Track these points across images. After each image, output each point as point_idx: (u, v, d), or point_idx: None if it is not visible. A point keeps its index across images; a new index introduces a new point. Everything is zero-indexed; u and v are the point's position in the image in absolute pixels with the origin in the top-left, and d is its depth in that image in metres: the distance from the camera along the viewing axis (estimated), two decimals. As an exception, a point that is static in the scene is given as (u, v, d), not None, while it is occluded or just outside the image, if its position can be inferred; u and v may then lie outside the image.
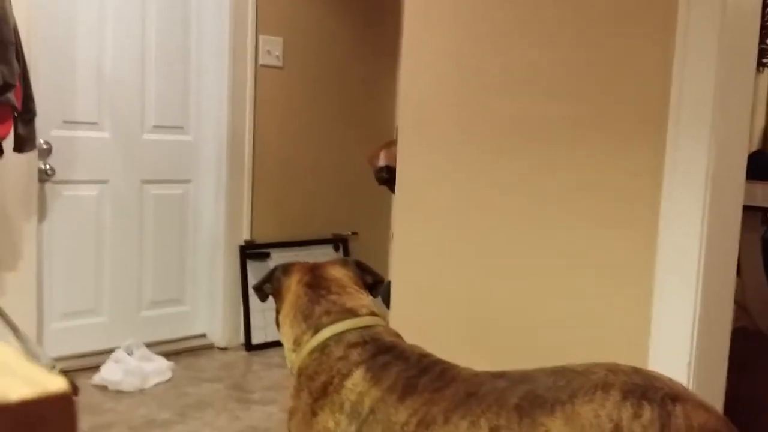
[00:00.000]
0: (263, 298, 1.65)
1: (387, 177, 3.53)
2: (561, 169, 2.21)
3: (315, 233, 4.14)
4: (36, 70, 3.02)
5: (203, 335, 3.88)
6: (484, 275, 2.42)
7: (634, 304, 2.08)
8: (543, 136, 2.26)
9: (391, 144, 3.63)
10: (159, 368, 3.35)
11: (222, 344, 3.82)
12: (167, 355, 3.54)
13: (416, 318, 2.53)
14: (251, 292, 3.83)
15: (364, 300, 1.51)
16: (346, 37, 4.19)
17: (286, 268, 1.61)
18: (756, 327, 2.82)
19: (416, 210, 2.63)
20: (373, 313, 1.46)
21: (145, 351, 3.45)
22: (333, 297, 1.48)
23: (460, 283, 2.49)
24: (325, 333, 1.41)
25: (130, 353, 3.40)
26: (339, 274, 1.56)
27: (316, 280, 1.53)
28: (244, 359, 3.69)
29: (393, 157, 3.58)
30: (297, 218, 4.07)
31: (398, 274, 2.63)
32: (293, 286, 1.55)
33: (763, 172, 2.71)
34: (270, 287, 1.62)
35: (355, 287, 1.54)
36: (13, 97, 2.63)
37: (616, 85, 2.10)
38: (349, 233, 4.28)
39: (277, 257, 3.94)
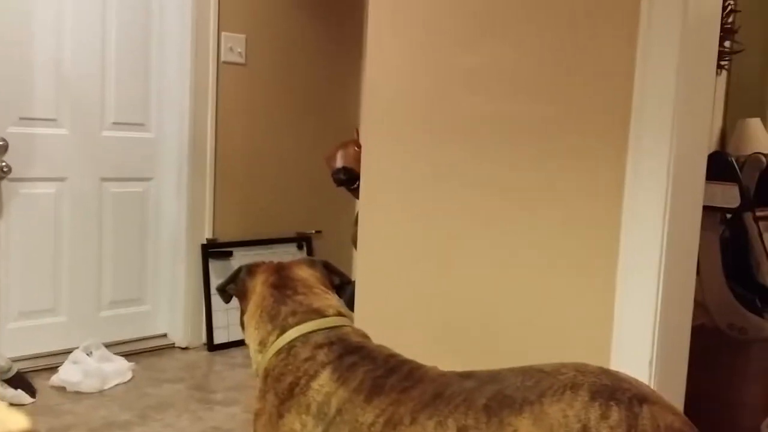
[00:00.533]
0: (227, 299, 1.63)
1: (344, 179, 3.52)
2: (525, 168, 2.23)
3: (278, 232, 4.11)
4: (-9, 64, 2.95)
5: (164, 335, 3.82)
6: (448, 274, 2.43)
7: (597, 302, 2.11)
8: (508, 134, 2.26)
9: (348, 144, 3.61)
10: (119, 369, 3.30)
11: (183, 344, 3.77)
12: (127, 356, 3.48)
13: (381, 318, 2.52)
14: (213, 291, 3.78)
15: (330, 300, 1.49)
16: (309, 34, 4.17)
17: (250, 269, 1.59)
18: (714, 325, 2.87)
19: (381, 209, 2.63)
20: (340, 314, 1.45)
21: (105, 351, 3.39)
22: (299, 297, 1.47)
23: (425, 283, 2.49)
24: (292, 333, 1.40)
25: (89, 354, 3.34)
26: (305, 274, 1.55)
27: (282, 281, 1.51)
28: (206, 359, 3.65)
29: (350, 157, 3.56)
30: (260, 216, 4.03)
31: (363, 273, 2.62)
32: (258, 286, 1.53)
33: (722, 172, 2.76)
34: (234, 288, 1.60)
35: (322, 288, 1.53)
36: (-32, 92, 2.55)
37: (580, 84, 2.11)
38: (313, 232, 4.26)
39: (240, 256, 3.90)
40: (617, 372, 1.23)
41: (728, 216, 2.93)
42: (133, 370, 3.34)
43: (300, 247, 4.19)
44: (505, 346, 2.29)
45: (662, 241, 2.01)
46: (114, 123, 3.55)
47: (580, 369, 1.20)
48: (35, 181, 3.32)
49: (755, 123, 3.73)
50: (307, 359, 1.34)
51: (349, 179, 3.51)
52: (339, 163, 3.56)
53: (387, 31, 2.59)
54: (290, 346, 1.38)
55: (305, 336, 1.38)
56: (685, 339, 2.20)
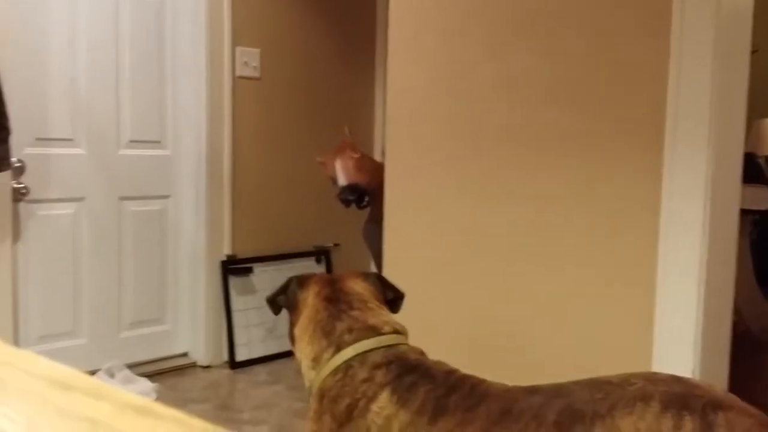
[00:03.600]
0: (277, 310, 1.59)
1: (352, 198, 3.29)
2: (558, 177, 2.20)
3: (297, 246, 4.08)
4: (7, 86, 2.92)
5: (185, 354, 3.79)
6: (481, 285, 2.39)
7: (636, 311, 2.07)
8: (539, 144, 2.24)
9: (343, 150, 3.38)
10: (143, 390, 3.26)
11: (205, 363, 3.74)
12: (149, 376, 3.45)
13: (411, 331, 2.49)
14: (234, 307, 3.75)
15: (386, 317, 1.46)
16: (323, 47, 4.15)
17: (301, 280, 1.55)
18: (747, 328, 2.83)
19: (408, 221, 2.60)
20: (396, 331, 1.42)
21: (128, 373, 3.36)
22: (355, 313, 1.43)
23: (456, 295, 2.46)
24: (348, 352, 1.36)
25: (111, 375, 3.30)
26: (359, 288, 1.51)
27: (336, 294, 1.47)
28: (228, 377, 3.61)
29: (351, 171, 3.30)
30: (278, 231, 4.00)
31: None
32: (311, 299, 1.49)
33: (751, 174, 2.72)
34: (284, 299, 1.56)
35: (377, 303, 1.49)
36: (-11, 114, 2.53)
37: (613, 91, 2.09)
38: (331, 245, 4.22)
39: (260, 272, 3.87)
40: (689, 379, 1.19)
41: (756, 218, 2.90)
42: (156, 391, 3.30)
43: (319, 261, 4.16)
44: (541, 358, 2.25)
45: (702, 246, 1.98)
46: (130, 141, 3.53)
47: (650, 378, 1.16)
48: (53, 202, 3.29)
49: (772, 123, 3.70)
50: (364, 380, 1.31)
51: (358, 197, 3.33)
52: (342, 179, 3.35)
53: (409, 45, 2.57)
54: (347, 365, 1.34)
55: (362, 355, 1.34)
56: (726, 346, 2.16)
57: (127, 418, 0.38)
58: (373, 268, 3.78)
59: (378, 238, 3.38)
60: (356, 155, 3.33)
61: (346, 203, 3.35)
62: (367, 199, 3.32)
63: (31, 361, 0.46)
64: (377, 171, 3.32)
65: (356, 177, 3.30)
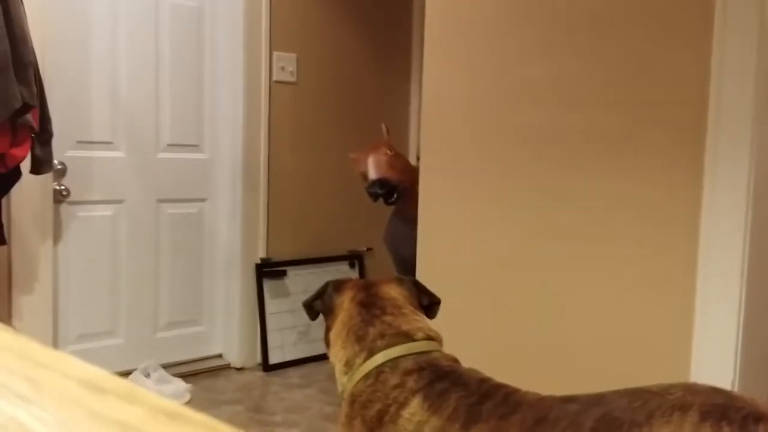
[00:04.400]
0: (313, 315, 1.59)
1: (381, 192, 3.29)
2: (597, 182, 2.17)
3: (331, 250, 4.09)
4: (50, 89, 2.98)
5: (219, 356, 3.82)
6: (517, 291, 2.37)
7: (676, 322, 2.03)
8: (578, 147, 2.21)
9: (378, 147, 3.38)
10: (177, 390, 3.29)
11: (239, 364, 3.76)
12: (183, 377, 3.48)
13: (445, 337, 2.48)
14: (268, 310, 3.78)
15: (420, 323, 1.45)
16: (358, 51, 4.16)
17: (338, 285, 1.55)
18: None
19: (442, 226, 2.59)
20: (429, 337, 1.41)
21: (163, 373, 3.39)
22: (388, 318, 1.42)
23: (490, 300, 2.44)
24: (380, 357, 1.35)
25: (147, 375, 3.34)
26: (394, 293, 1.51)
27: (370, 299, 1.47)
28: (261, 380, 3.63)
29: (383, 166, 3.29)
30: (312, 235, 4.02)
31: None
32: (346, 303, 1.49)
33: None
34: (320, 304, 1.57)
35: (411, 308, 1.49)
36: (31, 118, 2.58)
37: (654, 95, 2.06)
38: (365, 249, 4.23)
39: (293, 275, 3.88)
40: (730, 390, 1.17)
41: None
42: (191, 392, 3.33)
43: (352, 266, 4.17)
44: (579, 368, 2.22)
45: (743, 255, 1.94)
46: (169, 145, 3.57)
47: (690, 388, 1.14)
48: (93, 204, 3.35)
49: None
50: (396, 386, 1.30)
51: (387, 192, 3.30)
52: (373, 174, 3.32)
53: (445, 49, 2.56)
54: (378, 371, 1.34)
55: (394, 361, 1.34)
56: (767, 357, 2.11)
57: (158, 423, 0.38)
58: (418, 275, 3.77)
59: (404, 237, 3.38)
60: (390, 152, 3.33)
61: (375, 197, 3.33)
62: (396, 195, 3.31)
63: (65, 363, 0.47)
64: (409, 170, 3.33)
65: (387, 173, 3.30)
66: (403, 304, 1.48)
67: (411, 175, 3.28)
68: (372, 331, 1.40)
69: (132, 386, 0.45)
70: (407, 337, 1.38)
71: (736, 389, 1.97)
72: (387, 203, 3.38)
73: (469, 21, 2.48)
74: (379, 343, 1.38)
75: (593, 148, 2.17)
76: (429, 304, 1.56)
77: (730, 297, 1.95)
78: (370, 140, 4.17)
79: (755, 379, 2.04)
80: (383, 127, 3.59)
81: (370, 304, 1.46)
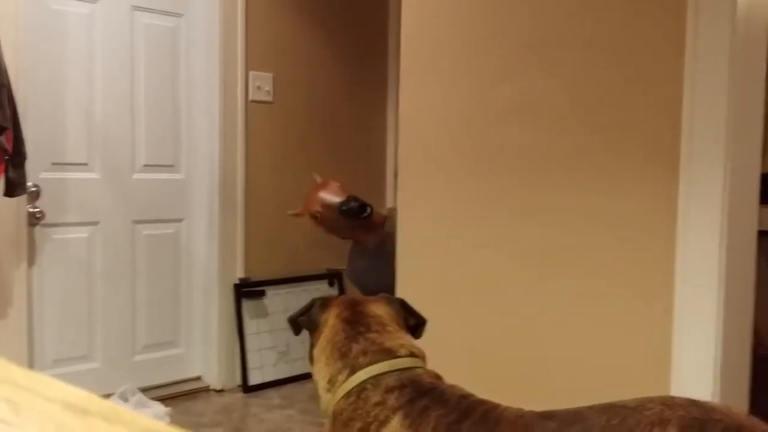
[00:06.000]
0: (297, 331, 1.58)
1: (356, 206, 3.38)
2: (574, 199, 2.19)
3: (309, 269, 4.07)
4: (23, 111, 2.94)
5: (198, 378, 3.77)
6: (496, 307, 2.37)
7: (654, 334, 2.05)
8: (555, 165, 2.23)
9: (325, 182, 3.53)
10: (156, 414, 3.25)
11: (218, 386, 3.72)
12: (162, 400, 3.43)
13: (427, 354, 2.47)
14: (247, 331, 3.74)
15: (403, 340, 1.44)
16: (335, 70, 4.17)
17: (324, 302, 1.55)
18: (767, 351, 2.79)
19: (421, 243, 2.59)
20: (412, 354, 1.40)
21: (141, 397, 3.34)
22: (372, 335, 1.42)
23: (470, 318, 2.44)
24: (362, 375, 1.35)
25: (125, 400, 3.29)
26: (380, 311, 1.50)
27: (355, 316, 1.47)
28: (241, 401, 3.59)
29: (341, 189, 3.47)
30: (291, 254, 4.00)
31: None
32: (331, 320, 1.48)
33: (768, 195, 2.69)
34: (306, 320, 1.56)
35: (396, 326, 1.48)
36: (5, 140, 2.55)
37: (628, 112, 2.08)
38: (344, 268, 4.21)
39: (272, 295, 3.86)
40: (707, 402, 1.17)
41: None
42: (170, 415, 3.28)
43: (331, 284, 4.15)
44: (558, 382, 2.22)
45: (719, 268, 1.96)
46: (145, 165, 3.55)
47: (667, 402, 1.14)
48: (68, 226, 3.31)
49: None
50: (377, 404, 1.29)
51: (361, 206, 3.39)
52: (337, 197, 3.46)
53: (422, 67, 2.58)
54: (360, 388, 1.33)
55: (376, 378, 1.33)
56: (746, 369, 2.13)
57: (144, 444, 0.38)
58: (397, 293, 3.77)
59: (366, 272, 3.46)
60: (338, 183, 3.47)
61: (352, 212, 3.40)
62: (369, 209, 3.38)
63: (47, 385, 0.46)
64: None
65: (348, 192, 3.46)
66: (388, 322, 1.47)
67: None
68: (355, 348, 1.40)
69: (116, 407, 0.44)
70: (390, 353, 1.38)
71: (716, 401, 1.98)
72: (360, 218, 3.41)
73: (446, 39, 2.50)
74: (361, 359, 1.37)
75: (570, 165, 2.19)
76: (415, 324, 1.56)
77: (707, 309, 1.97)
78: (347, 161, 4.19)
79: (736, 390, 2.06)
80: (315, 176, 3.70)
81: (355, 321, 1.45)
